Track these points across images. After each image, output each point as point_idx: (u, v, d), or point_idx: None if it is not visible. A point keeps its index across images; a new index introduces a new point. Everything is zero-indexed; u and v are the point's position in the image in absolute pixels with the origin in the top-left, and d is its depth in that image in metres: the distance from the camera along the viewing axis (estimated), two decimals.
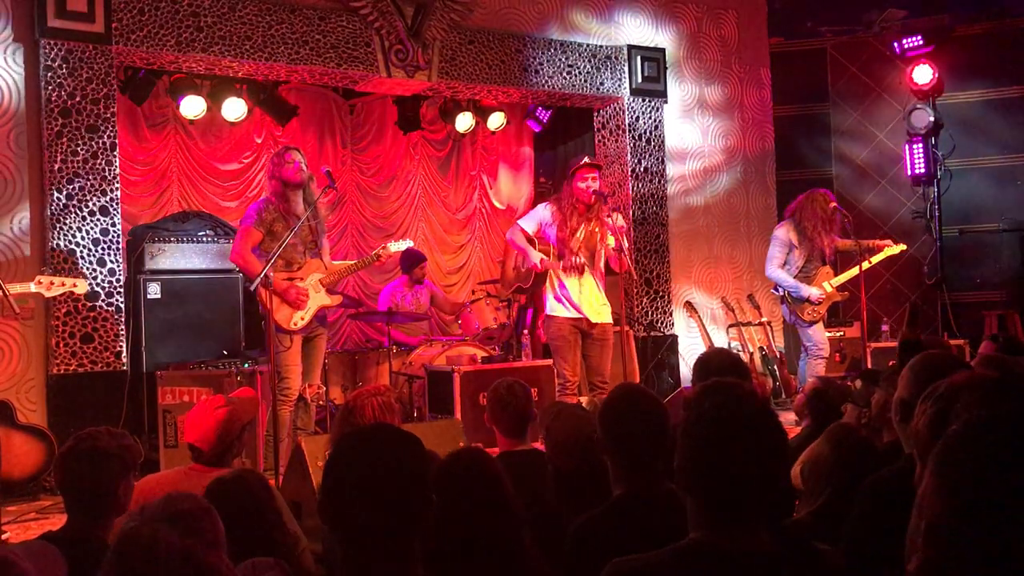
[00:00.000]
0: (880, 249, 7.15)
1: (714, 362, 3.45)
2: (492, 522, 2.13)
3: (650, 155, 8.56)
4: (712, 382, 1.86)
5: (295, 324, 5.49)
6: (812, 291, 6.96)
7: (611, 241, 5.95)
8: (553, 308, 6.03)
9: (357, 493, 1.74)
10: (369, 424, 3.10)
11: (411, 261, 8.55)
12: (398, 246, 6.03)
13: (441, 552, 2.02)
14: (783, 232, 7.09)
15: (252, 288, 5.40)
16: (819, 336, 7.08)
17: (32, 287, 5.02)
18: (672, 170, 8.75)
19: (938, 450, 1.23)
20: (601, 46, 8.35)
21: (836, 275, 7.11)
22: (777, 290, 7.21)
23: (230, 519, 2.00)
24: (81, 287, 5.24)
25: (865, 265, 6.98)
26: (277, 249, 5.30)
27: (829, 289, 7.02)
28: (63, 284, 5.09)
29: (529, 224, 6.14)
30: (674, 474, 1.83)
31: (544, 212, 6.11)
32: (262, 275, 5.15)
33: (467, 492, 2.16)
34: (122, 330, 6.27)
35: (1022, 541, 1.08)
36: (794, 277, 6.99)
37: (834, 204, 6.98)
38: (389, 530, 1.73)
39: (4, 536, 4.55)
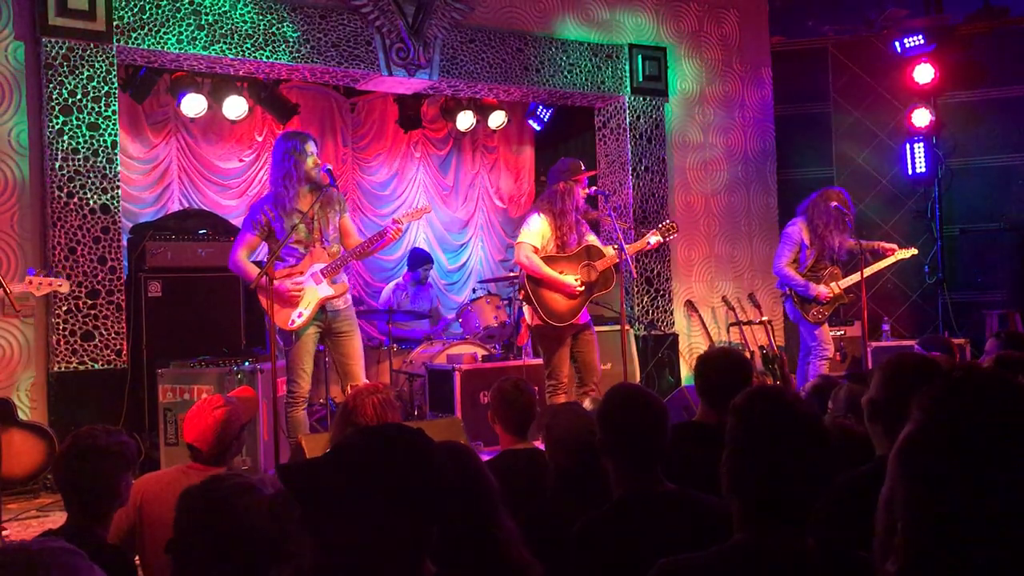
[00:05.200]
0: (886, 252, 7.07)
1: (716, 362, 3.44)
2: (465, 521, 2.13)
3: (651, 154, 8.56)
4: (758, 388, 1.90)
5: (293, 323, 5.25)
6: (820, 289, 6.87)
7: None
8: None
9: (373, 493, 1.72)
10: (376, 424, 3.09)
11: (417, 261, 8.56)
12: (410, 215, 5.58)
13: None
14: (795, 230, 7.00)
15: (252, 287, 5.35)
16: (823, 336, 7.00)
17: (21, 286, 5.22)
18: (673, 169, 8.75)
19: (897, 450, 1.24)
20: (602, 44, 8.35)
21: (844, 276, 7.03)
22: (783, 287, 7.13)
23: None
24: (64, 287, 5.36)
25: (876, 267, 6.98)
26: (273, 255, 5.18)
27: (836, 290, 6.95)
28: (50, 284, 5.22)
29: (537, 241, 5.86)
30: (720, 476, 1.87)
31: (543, 226, 5.87)
32: (255, 282, 5.09)
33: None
34: (123, 328, 6.28)
35: (988, 535, 1.09)
36: (803, 276, 6.94)
37: (835, 204, 6.91)
38: (403, 527, 1.70)
39: (4, 534, 4.55)
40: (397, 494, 1.67)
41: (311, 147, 5.30)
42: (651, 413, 2.58)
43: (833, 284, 6.94)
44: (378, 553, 1.67)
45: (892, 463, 1.26)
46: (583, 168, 5.95)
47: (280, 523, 2.03)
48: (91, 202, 6.18)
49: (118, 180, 6.34)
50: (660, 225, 6.27)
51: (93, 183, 6.19)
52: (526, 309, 5.98)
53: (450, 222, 9.84)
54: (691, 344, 8.73)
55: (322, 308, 5.33)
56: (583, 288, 5.81)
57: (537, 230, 5.87)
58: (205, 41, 6.60)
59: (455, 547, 2.04)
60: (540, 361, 6.97)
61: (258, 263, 5.57)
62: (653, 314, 8.48)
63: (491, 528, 2.14)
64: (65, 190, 6.10)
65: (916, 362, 2.56)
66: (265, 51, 6.82)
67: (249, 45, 6.76)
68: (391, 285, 8.66)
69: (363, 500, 1.67)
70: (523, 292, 5.92)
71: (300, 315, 5.26)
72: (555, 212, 5.85)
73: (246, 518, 2.03)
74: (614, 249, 5.93)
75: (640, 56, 8.47)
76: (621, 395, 2.67)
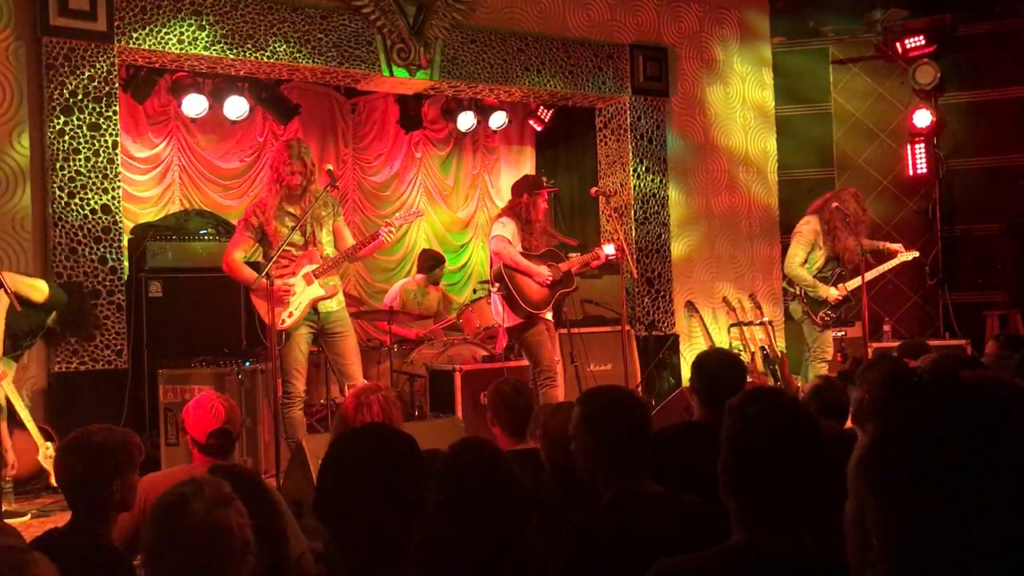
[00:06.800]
0: (890, 254, 7.00)
1: (712, 362, 3.44)
2: (497, 512, 2.13)
3: (652, 155, 8.56)
4: (754, 389, 1.91)
5: (283, 323, 5.31)
6: (830, 291, 6.76)
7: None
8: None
9: (353, 493, 1.74)
10: (363, 424, 3.10)
11: (432, 262, 8.54)
12: (403, 217, 5.77)
13: (444, 544, 2.01)
14: (809, 229, 6.87)
15: (253, 288, 5.40)
16: (825, 338, 6.95)
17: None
18: (674, 170, 8.75)
19: (857, 462, 1.19)
20: (603, 45, 8.35)
21: (851, 278, 6.92)
22: (792, 286, 7.01)
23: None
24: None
25: (881, 269, 6.94)
26: (271, 260, 5.23)
27: (845, 292, 6.80)
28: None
29: (510, 236, 6.22)
30: (718, 477, 1.87)
31: (513, 228, 6.24)
32: (255, 283, 5.17)
33: (472, 485, 2.15)
34: (123, 328, 6.28)
35: (962, 540, 1.03)
36: (812, 278, 6.82)
37: (836, 205, 6.85)
38: (384, 528, 1.73)
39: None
40: (398, 494, 1.69)
41: (296, 166, 5.34)
42: (636, 415, 2.58)
43: (841, 286, 6.86)
44: (378, 554, 1.69)
45: (852, 476, 1.22)
46: (544, 183, 6.45)
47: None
48: (92, 202, 6.18)
49: (119, 180, 6.34)
50: (609, 242, 6.59)
51: (94, 183, 6.19)
52: (500, 309, 6.21)
53: (451, 222, 9.84)
54: (692, 345, 8.72)
55: (314, 309, 5.42)
56: (551, 281, 6.22)
57: (509, 230, 6.25)
58: (206, 41, 6.61)
59: (483, 542, 2.04)
60: None
61: (252, 264, 5.66)
62: (654, 315, 8.47)
63: (518, 522, 2.14)
64: (66, 190, 6.10)
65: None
66: (266, 51, 6.82)
67: (250, 45, 6.76)
68: (397, 285, 8.64)
69: (362, 499, 1.69)
70: (497, 284, 6.14)
71: (290, 315, 5.35)
72: (522, 220, 6.25)
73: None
74: (609, 250, 6.42)
75: (641, 56, 8.47)
76: (607, 397, 2.67)
